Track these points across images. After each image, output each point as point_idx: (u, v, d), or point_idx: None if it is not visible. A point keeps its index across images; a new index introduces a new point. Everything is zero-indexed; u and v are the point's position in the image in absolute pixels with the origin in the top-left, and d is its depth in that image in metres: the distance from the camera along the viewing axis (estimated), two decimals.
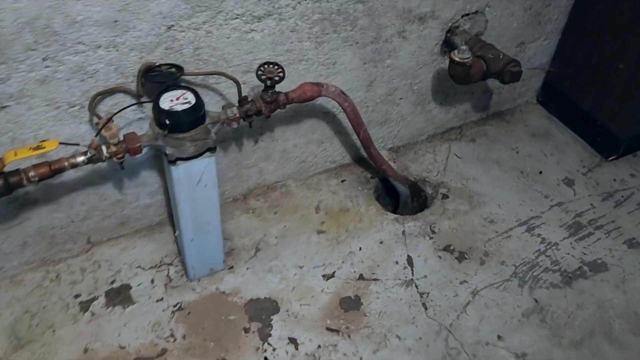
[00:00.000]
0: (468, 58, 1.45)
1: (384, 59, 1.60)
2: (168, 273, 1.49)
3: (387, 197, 1.81)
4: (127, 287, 1.45)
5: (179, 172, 1.20)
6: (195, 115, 1.14)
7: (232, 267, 1.51)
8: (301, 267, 1.52)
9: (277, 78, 1.21)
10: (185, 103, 1.14)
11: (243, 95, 1.25)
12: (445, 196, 1.74)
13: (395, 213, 1.71)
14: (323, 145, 1.73)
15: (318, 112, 1.62)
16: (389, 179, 1.68)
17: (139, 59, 1.24)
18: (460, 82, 1.52)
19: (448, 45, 1.68)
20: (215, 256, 1.45)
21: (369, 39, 1.52)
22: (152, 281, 1.47)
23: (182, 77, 1.26)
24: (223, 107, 1.24)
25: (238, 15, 1.29)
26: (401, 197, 1.73)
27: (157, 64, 1.23)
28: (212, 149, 1.21)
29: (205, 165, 1.22)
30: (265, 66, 1.22)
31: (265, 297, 1.44)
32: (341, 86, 1.56)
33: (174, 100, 1.14)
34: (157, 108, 1.13)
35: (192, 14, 1.23)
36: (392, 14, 1.50)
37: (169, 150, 1.16)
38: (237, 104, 1.24)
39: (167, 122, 1.12)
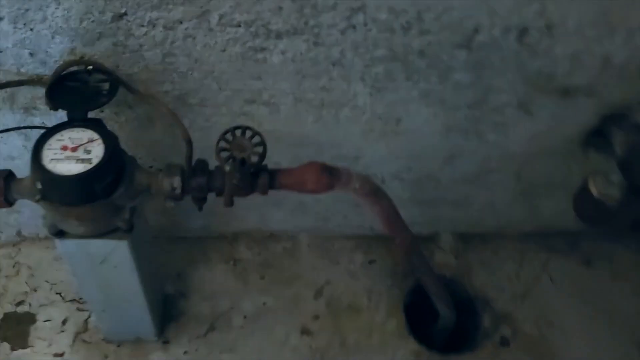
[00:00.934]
0: (614, 197, 0.82)
1: (485, 132, 1.01)
2: (88, 317, 1.11)
3: (422, 307, 1.27)
4: (30, 319, 1.10)
5: (68, 247, 0.77)
6: (89, 187, 0.68)
7: (167, 342, 1.10)
8: None
9: (251, 160, 0.70)
10: (83, 160, 0.68)
11: (199, 158, 0.76)
12: (504, 341, 1.17)
13: (424, 340, 1.18)
14: (360, 209, 1.20)
15: (362, 171, 1.09)
16: (431, 296, 1.13)
17: (69, 48, 0.78)
18: (588, 222, 0.90)
19: (601, 137, 1.03)
20: (142, 326, 1.04)
21: (464, 101, 0.93)
22: (64, 322, 1.11)
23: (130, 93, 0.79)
24: (163, 171, 0.76)
25: (241, 22, 0.77)
26: (441, 320, 1.18)
27: (89, 67, 0.77)
28: (125, 230, 0.76)
29: (112, 248, 0.78)
30: (236, 133, 0.71)
31: None
32: (403, 151, 1.01)
33: (68, 149, 0.69)
34: (34, 157, 0.68)
35: (159, 5, 0.73)
36: (516, 76, 0.89)
37: (48, 220, 0.72)
38: (184, 171, 0.76)
39: (39, 186, 0.67)
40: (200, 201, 0.76)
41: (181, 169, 0.75)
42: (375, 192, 0.83)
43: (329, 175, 0.79)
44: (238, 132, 0.71)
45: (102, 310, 0.95)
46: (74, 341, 1.08)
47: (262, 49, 0.81)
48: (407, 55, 0.83)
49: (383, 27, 0.79)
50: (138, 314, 0.98)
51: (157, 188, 0.75)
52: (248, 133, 0.71)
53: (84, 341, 1.09)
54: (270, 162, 1.01)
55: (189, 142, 0.73)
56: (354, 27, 0.78)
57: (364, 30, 0.79)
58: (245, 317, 1.15)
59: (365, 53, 0.83)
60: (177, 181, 0.74)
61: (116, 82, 0.77)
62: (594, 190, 0.83)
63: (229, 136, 0.70)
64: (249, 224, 1.23)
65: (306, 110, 0.92)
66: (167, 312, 1.13)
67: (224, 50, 0.81)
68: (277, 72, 0.85)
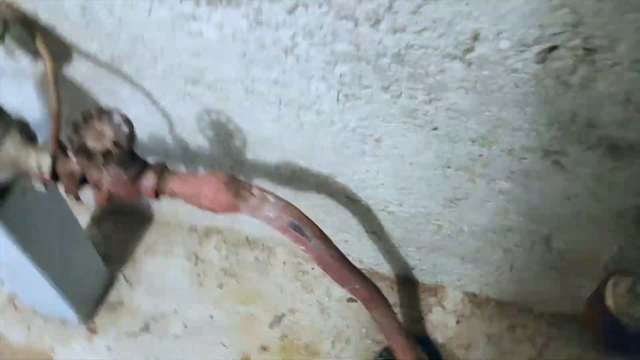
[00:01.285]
0: (635, 317, 0.55)
1: (496, 179, 0.75)
2: None
3: None
4: None
5: None
6: None
7: (95, 332, 0.99)
8: None
9: (104, 149, 0.53)
10: None
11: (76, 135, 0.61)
12: None
13: None
14: (344, 235, 1.00)
15: (340, 192, 0.88)
16: None
17: None
18: (599, 338, 0.62)
19: None
20: (61, 308, 0.94)
21: (465, 133, 0.69)
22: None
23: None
24: (37, 145, 0.62)
25: None
26: None
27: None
28: None
29: None
30: (102, 116, 0.55)
31: None
32: (389, 179, 0.79)
33: None
34: None
35: None
36: (539, 112, 0.63)
37: None
38: (55, 153, 0.61)
39: None
40: (72, 191, 0.61)
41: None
42: (298, 228, 0.62)
43: (233, 194, 0.60)
44: (105, 117, 0.55)
45: (10, 281, 0.85)
46: (6, 304, 1.01)
47: (194, 18, 0.63)
48: (379, 57, 0.61)
49: (342, 13, 0.58)
50: (48, 295, 0.87)
51: (25, 165, 0.61)
52: (116, 119, 0.55)
53: (15, 306, 1.01)
54: (232, 158, 0.85)
55: (56, 117, 0.58)
56: (305, 6, 0.58)
57: (318, 13, 0.58)
58: (185, 326, 1.00)
59: (323, 45, 0.62)
60: (46, 162, 0.60)
61: (7, 28, 0.63)
62: (609, 300, 0.56)
63: (89, 118, 0.54)
64: (221, 220, 1.08)
65: (261, 106, 0.74)
66: (105, 297, 1.02)
67: (149, 13, 0.64)
68: (217, 50, 0.67)
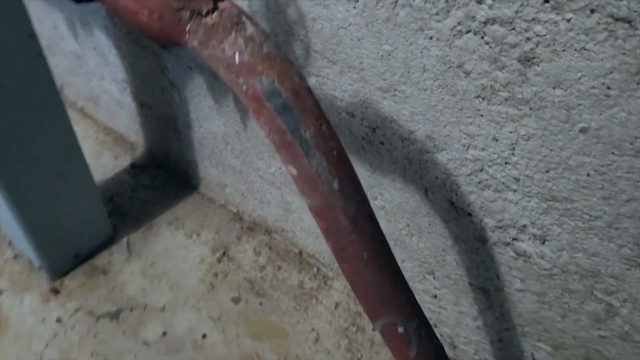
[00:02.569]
0: None
1: None
2: None
3: None
4: None
5: None
6: None
7: (56, 293, 0.72)
8: None
9: None
10: None
11: None
12: None
13: None
14: (432, 283, 0.60)
15: (441, 185, 0.51)
16: None
17: None
18: None
19: None
20: (27, 248, 0.69)
21: None
22: None
23: None
24: None
25: None
26: None
27: None
28: None
29: None
30: None
31: None
32: (527, 166, 0.41)
33: None
34: None
35: None
36: None
37: None
38: None
39: None
40: None
41: None
42: (286, 111, 0.28)
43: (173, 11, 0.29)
44: None
45: None
46: None
47: None
48: None
49: None
50: (16, 229, 0.63)
51: None
52: None
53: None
54: None
55: None
56: None
57: None
58: (165, 334, 0.67)
59: None
60: None
61: None
62: None
63: None
64: (270, 215, 0.76)
65: None
66: (92, 258, 0.75)
67: None
68: None
